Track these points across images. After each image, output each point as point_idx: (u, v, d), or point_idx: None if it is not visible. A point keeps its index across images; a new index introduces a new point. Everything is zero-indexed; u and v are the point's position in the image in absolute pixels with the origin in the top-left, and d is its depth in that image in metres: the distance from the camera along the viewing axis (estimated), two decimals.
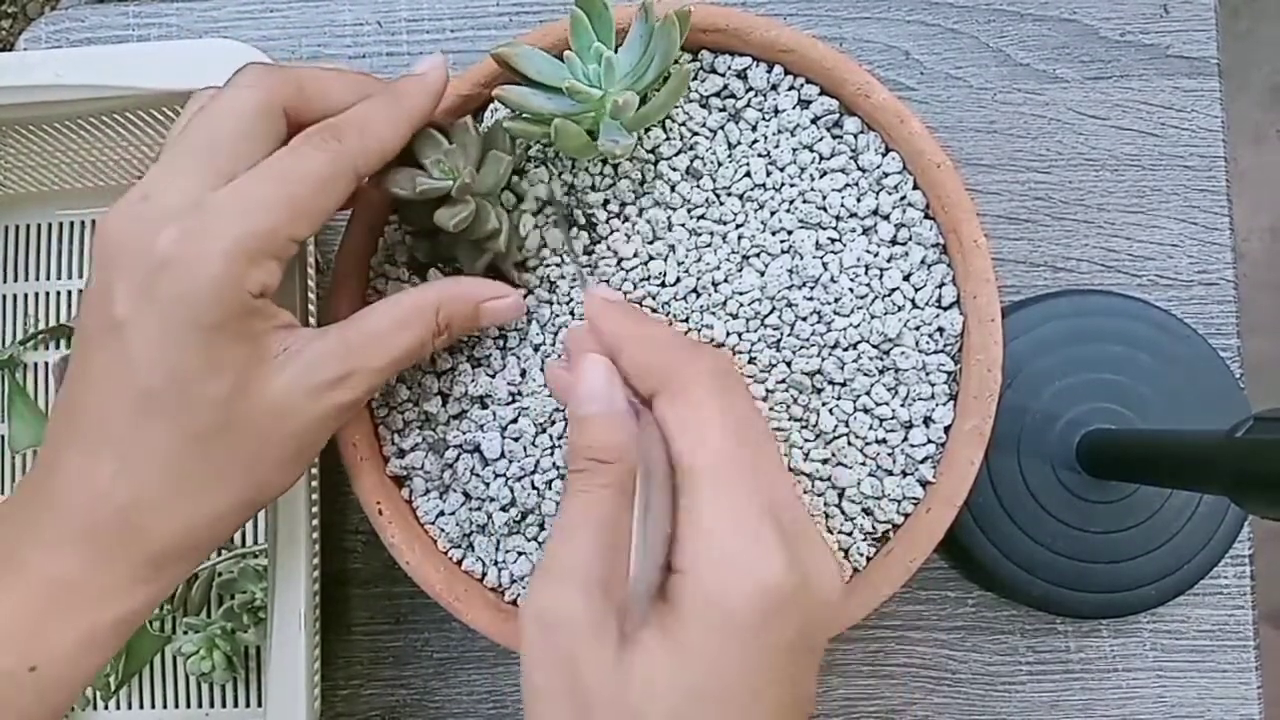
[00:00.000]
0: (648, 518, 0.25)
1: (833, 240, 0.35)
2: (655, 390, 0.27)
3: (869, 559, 0.35)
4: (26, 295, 0.46)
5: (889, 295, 0.35)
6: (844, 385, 0.35)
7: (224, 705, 0.44)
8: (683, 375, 0.27)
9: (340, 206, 0.36)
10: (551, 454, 0.35)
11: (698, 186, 0.36)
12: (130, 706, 0.44)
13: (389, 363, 0.30)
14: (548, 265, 0.36)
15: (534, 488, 0.35)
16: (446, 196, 0.32)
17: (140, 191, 0.28)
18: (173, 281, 0.26)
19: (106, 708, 0.44)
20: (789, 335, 0.35)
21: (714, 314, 0.35)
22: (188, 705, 0.44)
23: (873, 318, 0.35)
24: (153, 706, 0.44)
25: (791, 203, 0.36)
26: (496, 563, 0.36)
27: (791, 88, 0.36)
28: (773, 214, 0.36)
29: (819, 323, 0.35)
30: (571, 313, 0.36)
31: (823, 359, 0.35)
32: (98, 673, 0.28)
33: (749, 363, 0.35)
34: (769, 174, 0.36)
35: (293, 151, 0.28)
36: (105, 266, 0.27)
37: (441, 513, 0.36)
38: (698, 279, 0.35)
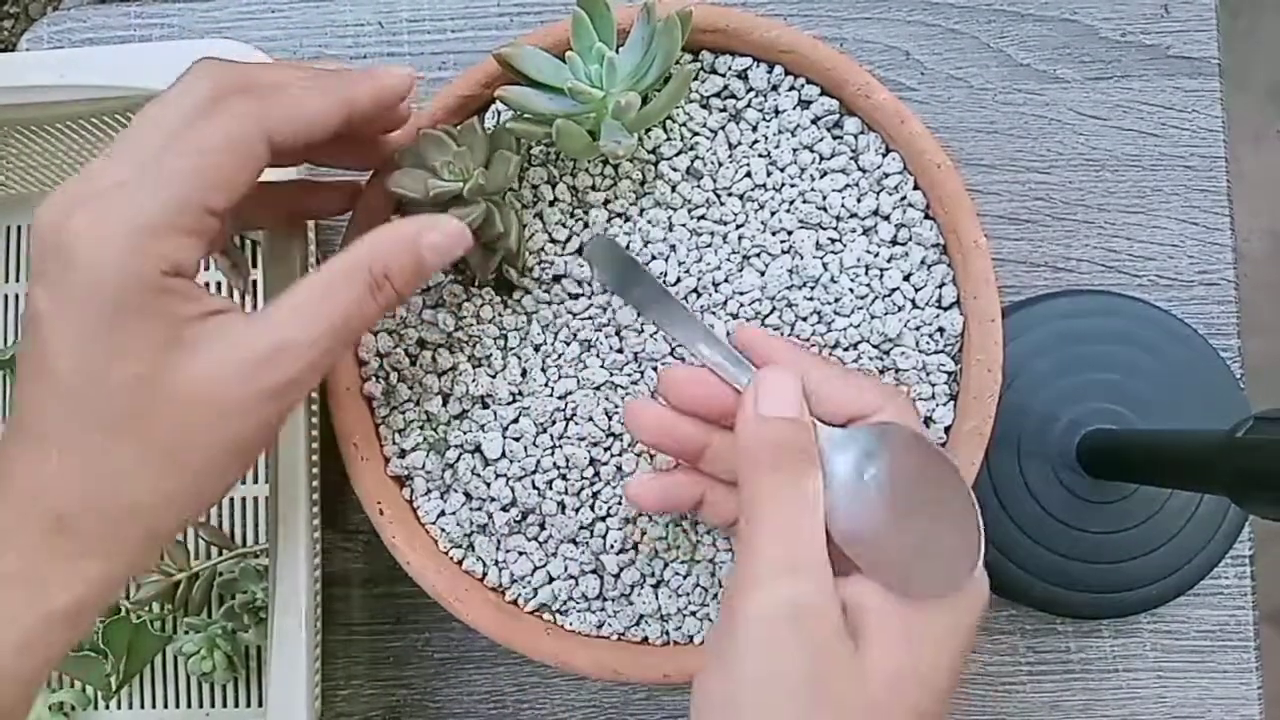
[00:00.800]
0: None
1: (833, 240, 0.36)
2: (859, 414, 0.29)
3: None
4: (26, 295, 0.46)
5: (889, 295, 0.35)
6: None
7: (224, 705, 0.44)
8: (897, 404, 0.29)
9: (338, 210, 0.35)
10: (552, 454, 0.35)
11: (698, 187, 0.36)
12: (131, 706, 0.44)
13: (324, 333, 0.28)
14: (549, 265, 0.36)
15: (535, 488, 0.35)
16: (457, 198, 0.32)
17: (73, 181, 0.27)
18: (76, 264, 0.25)
19: (107, 707, 0.44)
20: (789, 335, 0.35)
21: (715, 314, 0.35)
22: (188, 705, 0.44)
23: (873, 318, 0.35)
24: (153, 706, 0.44)
25: (792, 203, 0.36)
26: (497, 563, 0.36)
27: (792, 88, 0.36)
28: (773, 214, 0.36)
29: (819, 323, 0.35)
30: (570, 312, 0.36)
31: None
32: (55, 663, 0.27)
33: None
34: (769, 174, 0.36)
35: (203, 117, 0.27)
36: (34, 257, 0.27)
37: (442, 513, 0.36)
38: (698, 279, 0.35)
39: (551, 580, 0.36)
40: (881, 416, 0.28)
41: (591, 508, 0.35)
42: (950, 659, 0.26)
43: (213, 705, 0.44)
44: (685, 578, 0.36)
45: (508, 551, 0.36)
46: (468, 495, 0.36)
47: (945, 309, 0.35)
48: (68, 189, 0.27)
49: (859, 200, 0.36)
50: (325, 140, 0.29)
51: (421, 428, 0.36)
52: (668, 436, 0.31)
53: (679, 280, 0.35)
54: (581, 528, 0.35)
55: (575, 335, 0.35)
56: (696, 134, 0.36)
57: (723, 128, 0.36)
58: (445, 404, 0.36)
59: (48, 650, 0.26)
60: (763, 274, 0.35)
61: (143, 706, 0.44)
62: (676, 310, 0.33)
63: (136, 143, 0.27)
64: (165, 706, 0.44)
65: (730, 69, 0.36)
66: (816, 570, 0.26)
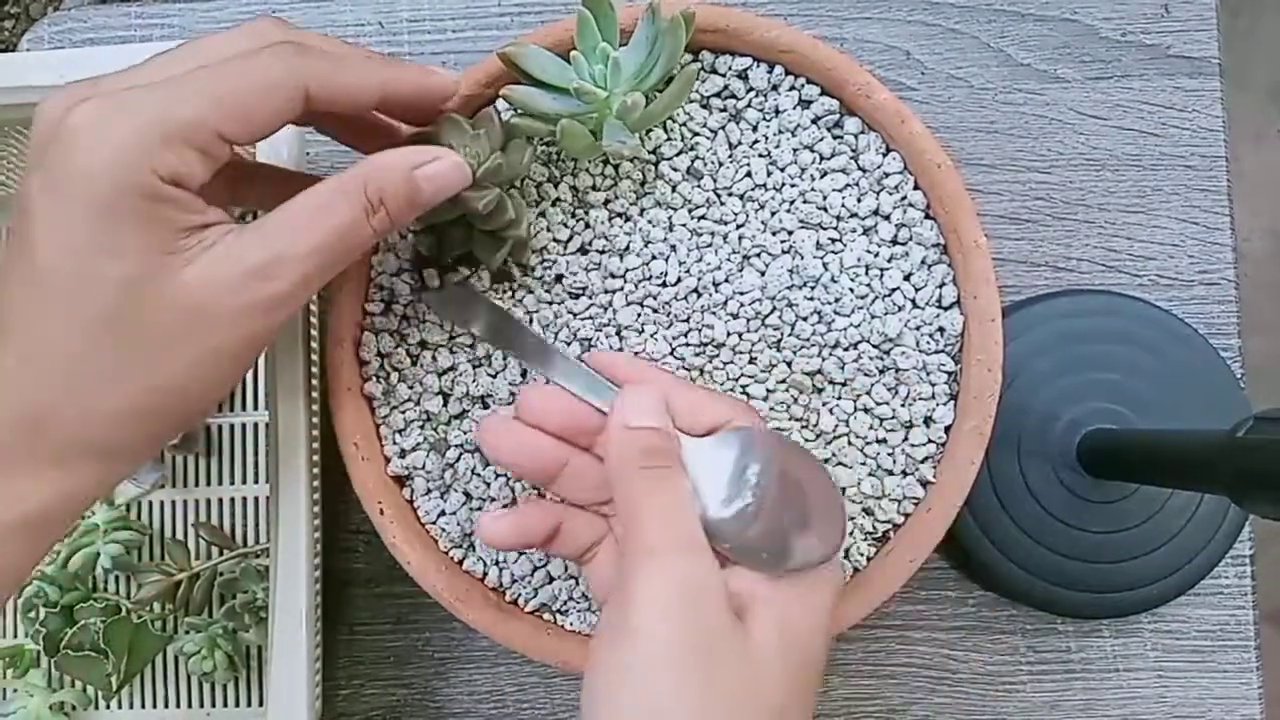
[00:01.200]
0: None
1: (833, 240, 0.36)
2: (715, 425, 0.31)
3: (869, 559, 0.35)
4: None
5: (889, 295, 0.35)
6: (844, 385, 0.35)
7: (225, 705, 0.44)
8: (748, 414, 0.31)
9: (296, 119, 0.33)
10: None
11: (699, 187, 0.36)
12: (131, 706, 0.44)
13: (317, 246, 0.27)
14: (551, 264, 0.36)
15: (535, 488, 0.35)
16: (472, 180, 0.32)
17: (93, 79, 0.26)
18: (76, 155, 0.25)
19: (108, 707, 0.44)
20: (789, 335, 0.35)
21: (714, 314, 0.35)
22: (189, 705, 0.44)
23: (873, 318, 0.35)
24: (154, 706, 0.44)
25: (792, 203, 0.36)
26: (497, 563, 0.36)
27: (792, 88, 0.36)
28: (773, 214, 0.36)
29: (819, 323, 0.35)
30: (571, 312, 0.36)
31: (823, 359, 0.35)
32: (15, 575, 0.26)
33: (749, 363, 0.35)
34: (769, 174, 0.36)
35: (247, 55, 0.27)
36: (33, 144, 0.26)
37: (443, 512, 0.36)
38: (699, 279, 0.35)
39: (551, 580, 0.36)
40: (736, 424, 0.30)
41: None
42: (818, 630, 0.28)
43: (213, 705, 0.44)
44: None
45: (507, 552, 0.36)
46: (468, 495, 0.36)
47: (945, 309, 0.35)
48: (82, 82, 0.26)
49: (859, 200, 0.36)
50: (356, 115, 0.29)
51: (421, 428, 0.36)
52: (526, 454, 0.31)
53: (679, 280, 0.35)
54: None
55: (575, 335, 0.35)
56: (697, 134, 0.36)
57: (723, 127, 0.36)
58: (445, 404, 0.36)
59: (5, 560, 0.26)
60: (763, 274, 0.35)
61: (143, 706, 0.44)
62: (528, 339, 0.34)
63: (170, 59, 0.27)
64: (166, 706, 0.44)
65: (730, 69, 0.36)
66: (704, 550, 0.28)
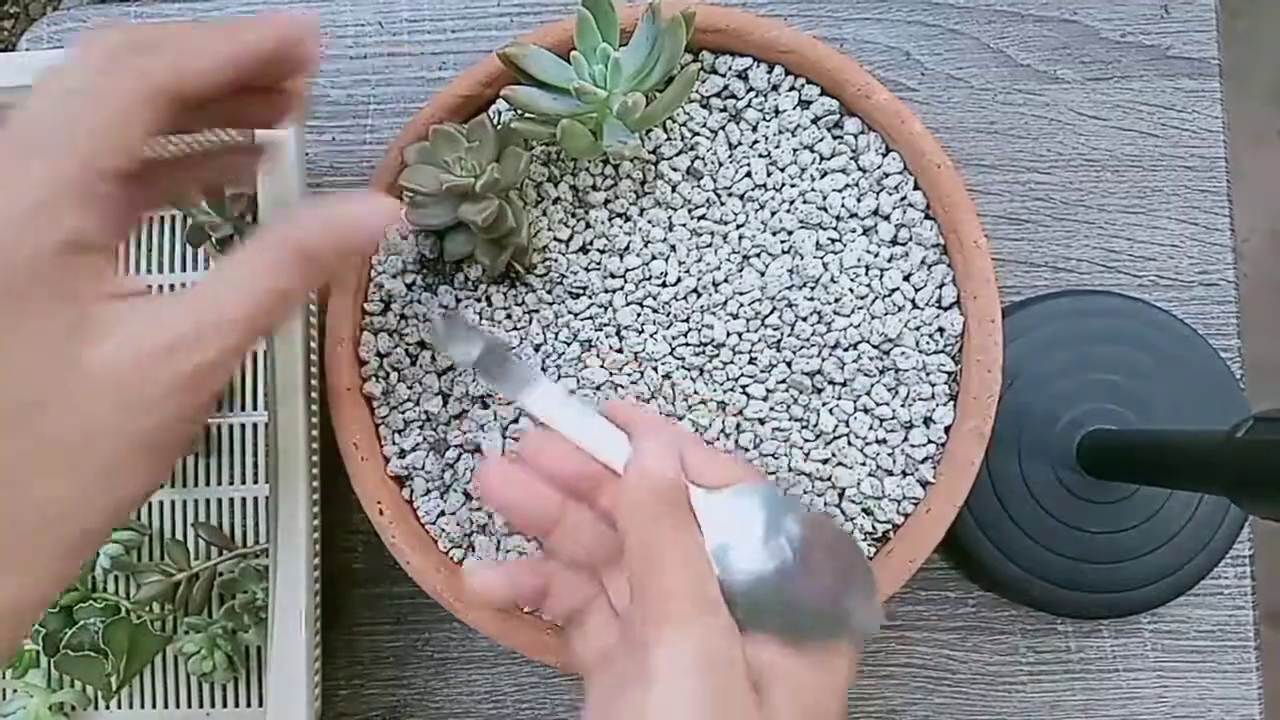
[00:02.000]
0: None
1: (833, 240, 0.36)
2: (727, 483, 0.28)
3: (869, 559, 0.35)
4: None
5: (889, 295, 0.35)
6: (844, 385, 0.35)
7: (225, 705, 0.44)
8: (760, 477, 0.30)
9: (249, 174, 0.30)
10: None
11: (699, 187, 0.36)
12: (131, 706, 0.44)
13: (248, 312, 0.25)
14: (552, 263, 0.36)
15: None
16: (468, 193, 0.32)
17: None
18: None
19: (108, 707, 0.44)
20: (789, 335, 0.35)
21: (714, 314, 0.35)
22: (188, 705, 0.44)
23: (873, 318, 0.35)
24: (153, 706, 0.44)
25: (792, 203, 0.36)
26: (497, 563, 0.36)
27: (792, 88, 0.36)
28: (773, 214, 0.36)
29: (819, 323, 0.35)
30: (571, 312, 0.36)
31: (823, 359, 0.35)
32: None
33: (749, 363, 0.35)
34: (769, 174, 0.36)
35: (90, 79, 0.25)
36: None
37: (442, 512, 0.36)
38: (698, 279, 0.35)
39: None
40: (750, 484, 0.28)
41: None
42: (839, 710, 0.26)
43: (213, 705, 0.44)
44: None
45: (507, 552, 0.36)
46: (467, 495, 0.36)
47: (945, 309, 0.35)
48: None
49: (859, 200, 0.36)
50: (223, 93, 0.27)
51: (421, 427, 0.36)
52: (535, 505, 0.29)
53: (679, 280, 0.35)
54: None
55: (575, 335, 0.35)
56: (697, 134, 0.36)
57: (723, 128, 0.36)
58: (445, 404, 0.36)
59: None
60: (763, 274, 0.35)
61: (143, 706, 0.44)
62: (539, 384, 0.30)
63: (25, 115, 0.25)
64: (165, 706, 0.44)
65: (730, 69, 0.36)
66: (724, 611, 0.26)
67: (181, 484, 0.45)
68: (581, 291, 0.36)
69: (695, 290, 0.35)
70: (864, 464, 0.35)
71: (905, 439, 0.35)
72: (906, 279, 0.35)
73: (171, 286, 0.45)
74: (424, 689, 0.44)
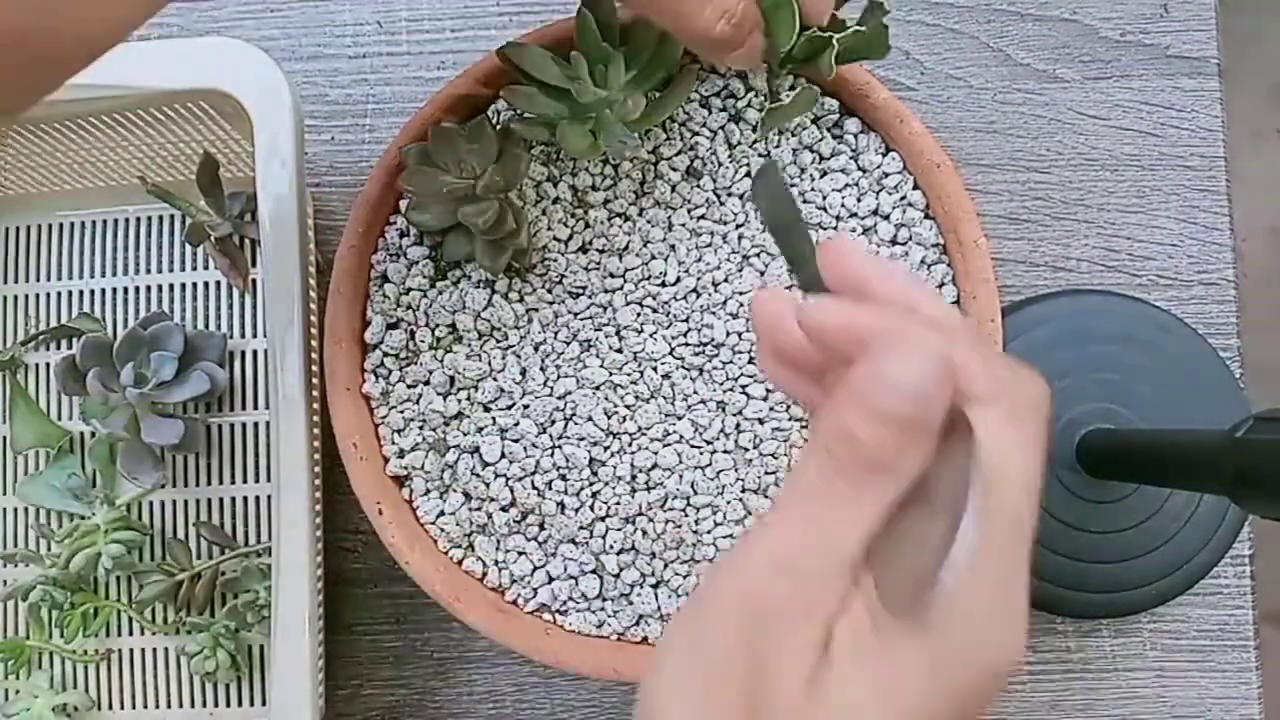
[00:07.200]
0: (931, 527, 0.21)
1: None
2: (982, 399, 0.21)
3: None
4: (27, 296, 0.46)
5: None
6: None
7: (228, 705, 0.44)
8: (1022, 399, 0.22)
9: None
10: (552, 454, 0.35)
11: (698, 187, 0.36)
12: (134, 706, 0.44)
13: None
14: (552, 263, 0.36)
15: (534, 488, 0.35)
16: (468, 195, 0.32)
17: None
18: None
19: (110, 708, 0.44)
20: None
21: (714, 314, 0.35)
22: (191, 705, 0.44)
23: None
24: (156, 706, 0.44)
25: None
26: (497, 563, 0.36)
27: (792, 88, 0.36)
28: None
29: None
30: (571, 312, 0.36)
31: None
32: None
33: (749, 363, 0.35)
34: None
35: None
36: None
37: (442, 513, 0.36)
38: (698, 279, 0.35)
39: (551, 580, 0.36)
40: (1016, 406, 0.21)
41: (591, 508, 0.35)
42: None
43: (216, 705, 0.44)
44: (685, 578, 0.36)
45: (507, 552, 0.36)
46: (467, 495, 0.36)
47: None
48: None
49: (859, 200, 0.36)
50: None
51: (420, 428, 0.36)
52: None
53: (679, 280, 0.35)
54: (581, 528, 0.35)
55: (575, 335, 0.35)
56: (696, 134, 0.36)
57: (722, 127, 0.36)
58: (444, 404, 0.36)
59: None
60: (763, 274, 0.35)
61: (145, 706, 0.44)
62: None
63: None
64: (168, 706, 0.44)
65: (730, 68, 0.36)
66: (800, 571, 0.21)
67: (182, 484, 0.45)
68: (581, 291, 0.36)
69: (695, 290, 0.35)
70: None
71: None
72: None
73: (171, 286, 0.45)
74: (424, 689, 0.44)
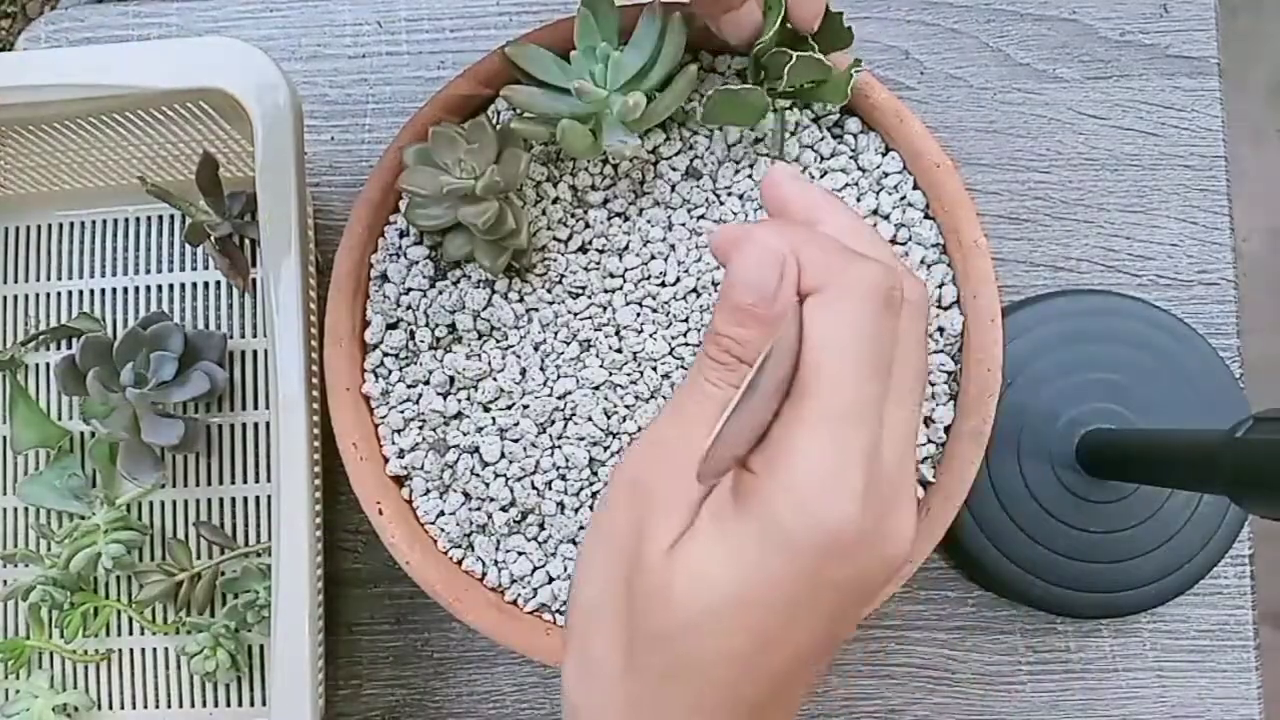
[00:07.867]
0: (747, 403, 0.23)
1: None
2: (812, 289, 0.24)
3: None
4: (27, 296, 0.46)
5: None
6: None
7: (228, 705, 0.44)
8: (844, 282, 0.23)
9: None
10: (551, 454, 0.35)
11: (698, 186, 0.36)
12: (134, 706, 0.44)
13: None
14: (552, 263, 0.36)
15: (534, 488, 0.35)
16: (468, 195, 0.32)
17: None
18: None
19: (110, 708, 0.44)
20: None
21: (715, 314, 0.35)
22: (191, 705, 0.44)
23: None
24: (156, 706, 0.44)
25: None
26: (497, 563, 0.36)
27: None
28: None
29: None
30: (571, 312, 0.36)
31: None
32: None
33: None
34: None
35: None
36: None
37: (442, 512, 0.36)
38: (698, 279, 0.35)
39: (551, 580, 0.36)
40: (834, 291, 0.23)
41: (591, 508, 0.35)
42: (785, 596, 0.23)
43: (216, 705, 0.44)
44: None
45: (507, 551, 0.36)
46: (467, 495, 0.36)
47: (945, 309, 0.35)
48: None
49: (859, 200, 0.36)
50: None
51: (420, 427, 0.36)
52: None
53: (678, 280, 0.35)
54: (581, 528, 0.35)
55: (575, 335, 0.35)
56: (696, 133, 0.36)
57: (722, 127, 0.36)
58: (444, 403, 0.36)
59: None
60: None
61: (145, 706, 0.44)
62: None
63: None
64: (169, 706, 0.44)
65: (730, 68, 0.36)
66: (676, 457, 0.24)
67: (182, 484, 0.45)
68: (581, 291, 0.36)
69: (695, 290, 0.35)
70: None
71: None
72: None
73: (171, 286, 0.45)
74: (423, 689, 0.44)
